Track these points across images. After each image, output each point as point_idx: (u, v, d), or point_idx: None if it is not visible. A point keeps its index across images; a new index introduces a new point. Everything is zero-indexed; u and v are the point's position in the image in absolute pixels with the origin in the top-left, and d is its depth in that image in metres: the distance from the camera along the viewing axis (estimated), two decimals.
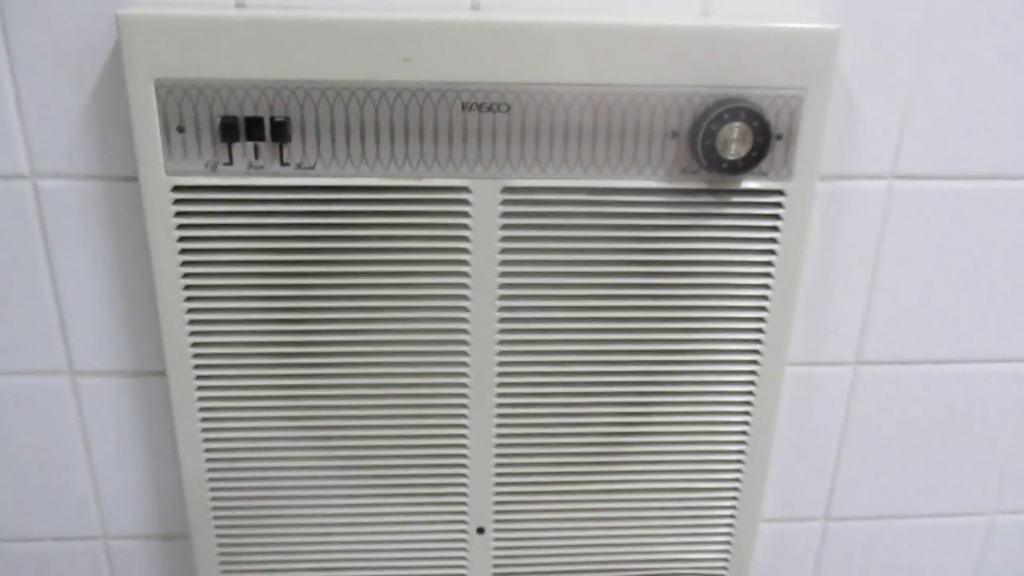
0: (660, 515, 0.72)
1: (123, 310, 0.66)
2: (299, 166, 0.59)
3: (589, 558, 0.73)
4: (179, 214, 0.60)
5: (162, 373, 0.69)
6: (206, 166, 0.59)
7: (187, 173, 0.59)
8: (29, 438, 0.70)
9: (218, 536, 0.70)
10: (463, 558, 0.72)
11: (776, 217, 0.62)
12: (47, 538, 0.74)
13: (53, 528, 0.74)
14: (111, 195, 0.63)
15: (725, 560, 0.74)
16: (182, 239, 0.60)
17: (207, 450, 0.67)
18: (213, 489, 0.69)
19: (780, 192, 0.61)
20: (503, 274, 0.62)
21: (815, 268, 0.68)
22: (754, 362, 0.67)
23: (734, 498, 0.72)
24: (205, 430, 0.66)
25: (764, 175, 0.61)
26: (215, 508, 0.69)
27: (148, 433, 0.71)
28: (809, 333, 0.71)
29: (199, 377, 0.65)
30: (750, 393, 0.68)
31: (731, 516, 0.72)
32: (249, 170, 0.59)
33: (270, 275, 0.62)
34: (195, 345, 0.64)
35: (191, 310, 0.62)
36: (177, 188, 0.59)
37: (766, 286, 0.64)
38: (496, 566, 0.72)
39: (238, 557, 0.71)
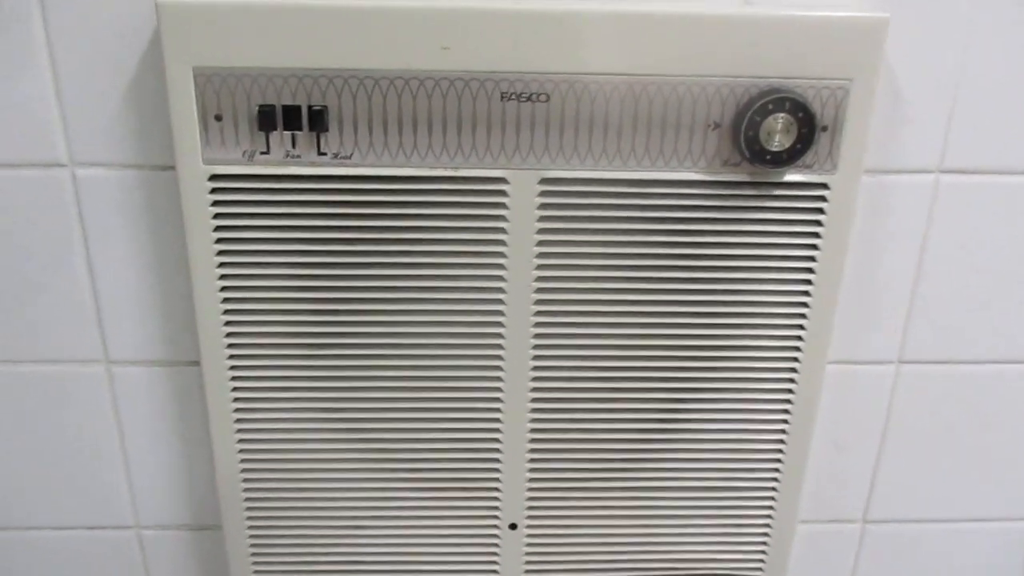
0: (695, 514, 0.71)
1: (159, 299, 0.66)
2: (336, 156, 0.58)
3: (622, 556, 0.72)
4: (216, 203, 0.60)
5: (196, 363, 0.69)
6: (243, 155, 0.58)
7: (224, 162, 0.58)
8: (63, 427, 0.70)
9: (250, 527, 0.70)
10: (495, 554, 0.71)
11: (819, 211, 0.61)
12: (80, 527, 0.74)
13: (86, 517, 0.74)
14: (148, 184, 0.63)
15: (761, 561, 0.73)
16: (218, 228, 0.60)
17: (240, 440, 0.67)
18: (246, 480, 0.69)
19: (824, 186, 0.60)
20: (540, 266, 0.62)
21: (858, 264, 0.67)
22: (794, 359, 0.66)
23: (771, 498, 0.70)
24: (239, 420, 0.66)
25: (808, 168, 0.60)
26: (247, 499, 0.69)
27: (181, 423, 0.71)
28: (851, 330, 0.69)
29: (233, 367, 0.64)
30: (789, 391, 0.67)
31: (768, 516, 0.71)
32: (286, 159, 0.58)
33: (306, 265, 0.61)
34: (230, 335, 0.63)
35: (226, 300, 0.62)
36: (214, 177, 0.59)
37: (808, 281, 0.63)
38: (528, 562, 0.72)
39: (269, 548, 0.71)
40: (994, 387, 0.72)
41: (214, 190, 0.59)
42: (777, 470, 0.69)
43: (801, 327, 0.64)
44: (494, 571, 0.72)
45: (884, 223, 0.66)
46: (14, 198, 0.62)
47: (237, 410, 0.66)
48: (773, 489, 0.70)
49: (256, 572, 0.72)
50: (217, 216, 0.60)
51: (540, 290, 0.62)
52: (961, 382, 0.71)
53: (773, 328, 0.65)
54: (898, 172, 0.64)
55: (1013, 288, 0.68)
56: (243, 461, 0.68)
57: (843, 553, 0.78)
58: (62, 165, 0.62)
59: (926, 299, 0.68)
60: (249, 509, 0.70)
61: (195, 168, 0.58)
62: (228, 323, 0.63)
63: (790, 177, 0.60)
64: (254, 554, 0.72)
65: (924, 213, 0.65)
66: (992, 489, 0.76)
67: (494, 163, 0.59)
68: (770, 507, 0.71)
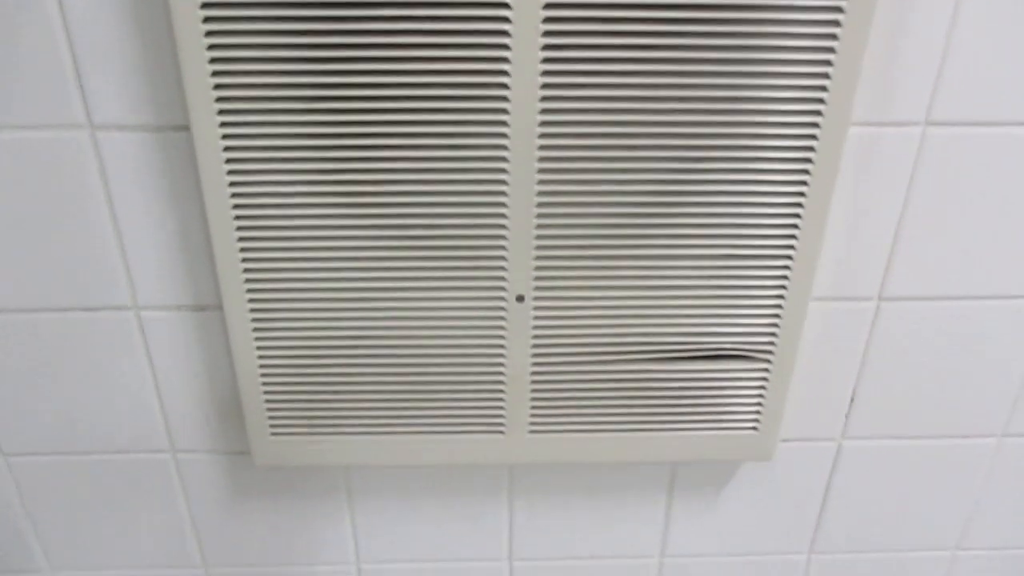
0: (706, 284, 0.69)
1: (143, 60, 0.62)
2: None
3: (629, 329, 0.70)
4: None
5: (186, 128, 0.65)
6: None
7: None
8: (55, 204, 0.68)
9: (251, 303, 0.69)
10: (502, 327, 0.70)
11: None
12: (76, 308, 0.73)
13: (83, 298, 0.72)
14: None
15: (773, 335, 0.71)
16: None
17: (236, 208, 0.64)
18: (243, 252, 0.66)
19: None
20: (548, 18, 0.57)
21: (887, 15, 0.62)
22: (816, 114, 0.62)
23: (786, 267, 0.68)
24: (233, 184, 0.63)
25: None
26: (247, 272, 0.67)
27: (174, 196, 0.68)
28: (877, 90, 0.65)
29: (224, 124, 0.61)
30: (810, 151, 0.63)
31: (781, 288, 0.69)
32: None
33: (301, 33, 0.57)
34: (218, 88, 0.60)
35: (213, 46, 0.58)
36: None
37: (833, 35, 0.59)
38: (536, 336, 0.70)
39: (272, 326, 0.70)
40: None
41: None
42: (793, 236, 0.67)
43: (826, 76, 0.60)
44: (500, 344, 0.70)
45: None
46: None
47: (231, 173, 0.63)
48: (788, 258, 0.68)
49: (260, 350, 0.71)
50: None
51: (548, 38, 0.58)
52: (990, 147, 0.68)
53: (794, 84, 0.61)
54: None
55: None
56: (240, 234, 0.66)
57: (856, 332, 0.76)
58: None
59: (959, 57, 0.64)
60: (249, 286, 0.68)
61: None
62: (215, 73, 0.59)
63: None
64: (257, 331, 0.70)
65: None
66: (1011, 262, 0.73)
67: None
68: (784, 277, 0.69)
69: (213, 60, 0.59)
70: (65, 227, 0.69)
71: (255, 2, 0.57)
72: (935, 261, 0.73)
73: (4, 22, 0.60)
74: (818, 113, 0.62)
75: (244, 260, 0.67)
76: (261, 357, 0.72)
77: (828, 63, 0.60)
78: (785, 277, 0.69)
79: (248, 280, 0.68)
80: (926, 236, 0.72)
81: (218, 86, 0.60)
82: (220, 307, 0.73)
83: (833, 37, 0.59)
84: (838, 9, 0.58)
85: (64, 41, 0.61)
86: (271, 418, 0.74)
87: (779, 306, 0.70)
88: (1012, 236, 0.72)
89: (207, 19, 0.57)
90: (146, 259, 0.71)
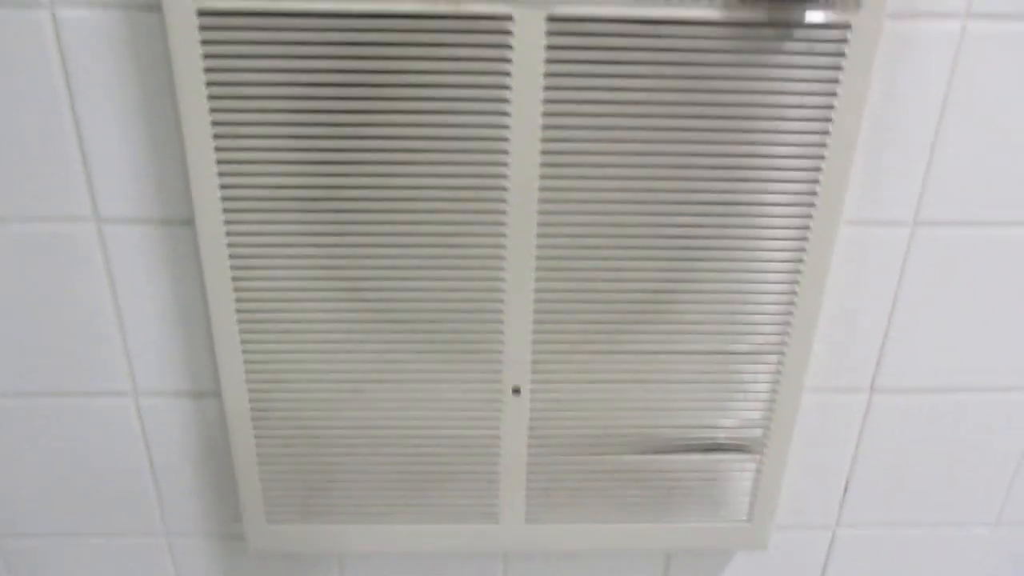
0: (700, 378, 0.70)
1: (148, 153, 0.64)
2: None
3: (625, 421, 0.71)
4: (206, 43, 0.56)
5: (190, 221, 0.66)
6: None
7: None
8: (55, 287, 0.69)
9: (250, 391, 0.69)
10: (498, 418, 0.70)
11: (840, 55, 0.58)
12: (77, 393, 0.73)
13: (82, 383, 0.73)
14: (133, 26, 0.59)
15: (766, 427, 0.72)
16: (209, 70, 0.57)
17: (238, 300, 0.65)
18: (244, 342, 0.67)
19: (846, 26, 0.57)
20: (547, 113, 0.59)
21: (877, 116, 0.64)
22: (807, 216, 0.63)
23: (778, 362, 0.69)
24: (235, 278, 0.64)
25: (829, 6, 0.56)
26: (247, 362, 0.68)
27: (176, 286, 0.69)
28: (867, 188, 0.67)
29: (228, 222, 0.62)
30: (801, 250, 0.65)
31: (774, 382, 0.70)
32: None
33: (301, 112, 0.59)
34: (224, 187, 0.61)
35: (219, 148, 0.60)
36: (203, 13, 0.56)
37: (825, 131, 0.61)
38: (531, 427, 0.71)
39: (270, 414, 0.70)
40: (1011, 253, 0.70)
41: (203, 28, 0.56)
42: (785, 333, 0.68)
43: (815, 181, 0.62)
44: (496, 435, 0.71)
45: (906, 72, 0.62)
46: None
47: (234, 268, 0.64)
48: (780, 354, 0.69)
49: (257, 438, 0.71)
50: (207, 57, 0.57)
51: (547, 139, 0.60)
52: (978, 246, 0.69)
53: (786, 183, 0.62)
54: (924, 16, 0.61)
55: None
56: (241, 323, 0.66)
57: (849, 424, 0.77)
58: (41, 5, 0.58)
59: (946, 158, 0.66)
60: (249, 373, 0.68)
61: (182, 3, 0.55)
62: (222, 174, 0.61)
63: (811, 17, 0.57)
64: (255, 419, 0.71)
65: (948, 63, 0.62)
66: (1007, 354, 0.74)
67: None
68: (777, 372, 0.70)
69: (220, 161, 0.60)
70: (68, 314, 0.69)
71: (261, 108, 0.58)
72: (925, 354, 0.74)
73: (15, 116, 0.62)
74: (809, 216, 0.63)
75: (245, 351, 0.67)
76: (259, 445, 0.72)
77: (818, 168, 0.62)
78: (778, 372, 0.70)
79: (248, 370, 0.68)
80: (916, 330, 0.73)
81: (224, 186, 0.61)
82: (218, 394, 0.73)
83: (823, 145, 0.61)
84: (827, 119, 0.60)
85: (74, 136, 0.63)
86: (267, 505, 0.74)
87: (773, 399, 0.71)
88: (999, 330, 0.73)
89: (215, 123, 0.59)
90: (146, 346, 0.71)
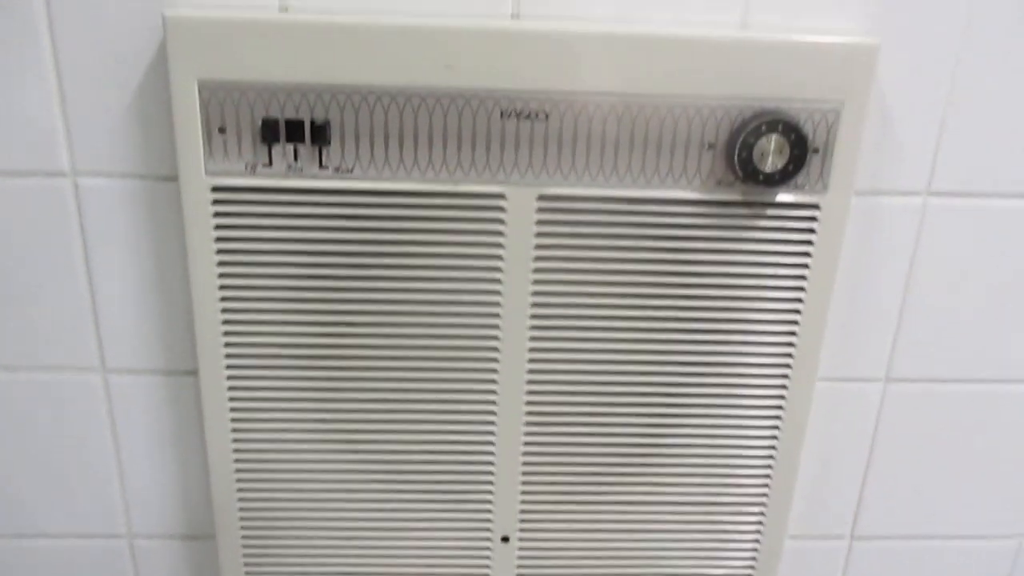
0: (685, 528, 0.72)
1: (157, 309, 0.67)
2: (337, 169, 0.59)
3: (613, 569, 0.73)
4: (217, 214, 0.60)
5: (194, 372, 0.69)
6: (245, 167, 0.59)
7: (226, 174, 0.59)
8: (58, 434, 0.71)
9: (244, 537, 0.71)
10: (487, 566, 0.72)
11: (810, 231, 0.62)
12: (72, 535, 0.74)
13: (78, 525, 0.74)
14: (150, 194, 0.63)
15: (750, 572, 0.73)
16: (219, 239, 0.61)
17: (236, 451, 0.67)
18: (241, 491, 0.69)
19: (815, 206, 0.61)
20: (536, 281, 0.63)
21: (847, 283, 0.68)
22: (784, 376, 0.67)
23: (760, 512, 0.71)
24: (235, 430, 0.67)
25: (800, 188, 0.61)
26: (242, 509, 0.70)
27: (177, 432, 0.71)
28: (840, 348, 0.70)
29: (231, 377, 0.65)
30: (779, 407, 0.68)
31: (757, 531, 0.72)
32: (288, 172, 0.59)
33: (305, 277, 0.62)
34: (228, 345, 0.64)
35: (226, 310, 0.63)
36: (216, 188, 0.60)
37: (798, 299, 0.64)
38: (520, 575, 0.72)
39: (263, 559, 0.72)
40: (981, 406, 0.73)
41: (216, 201, 0.60)
42: (766, 485, 0.70)
43: (791, 344, 0.66)
44: None
45: (873, 243, 0.67)
46: (16, 206, 0.63)
47: (234, 420, 0.66)
48: (762, 504, 0.71)
49: None
50: (218, 227, 0.61)
51: (536, 304, 0.63)
52: (948, 400, 0.72)
53: (764, 344, 0.66)
54: (888, 194, 0.65)
55: (999, 309, 0.69)
56: (238, 471, 0.68)
57: (831, 568, 0.79)
58: (64, 175, 0.62)
59: (913, 319, 0.70)
60: (244, 519, 0.70)
61: (198, 179, 0.59)
62: (227, 333, 0.64)
63: (782, 197, 0.61)
64: (248, 565, 0.72)
65: (912, 234, 0.67)
66: (978, 506, 0.77)
67: (493, 179, 0.60)
68: (760, 521, 0.72)
69: (225, 321, 0.63)
70: (71, 460, 0.71)
71: (266, 274, 0.62)
72: (902, 500, 0.76)
73: (27, 274, 0.65)
74: (786, 376, 0.67)
75: (240, 498, 0.69)
76: None
77: (793, 332, 0.65)
78: (760, 522, 0.72)
79: (242, 516, 0.70)
80: (892, 478, 0.75)
81: (228, 344, 0.64)
82: (213, 537, 0.75)
83: (797, 312, 0.64)
84: (801, 288, 0.64)
85: (87, 289, 0.66)
86: None
87: (756, 548, 0.73)
88: (973, 480, 0.76)
89: (223, 287, 0.62)
90: (145, 490, 0.73)
